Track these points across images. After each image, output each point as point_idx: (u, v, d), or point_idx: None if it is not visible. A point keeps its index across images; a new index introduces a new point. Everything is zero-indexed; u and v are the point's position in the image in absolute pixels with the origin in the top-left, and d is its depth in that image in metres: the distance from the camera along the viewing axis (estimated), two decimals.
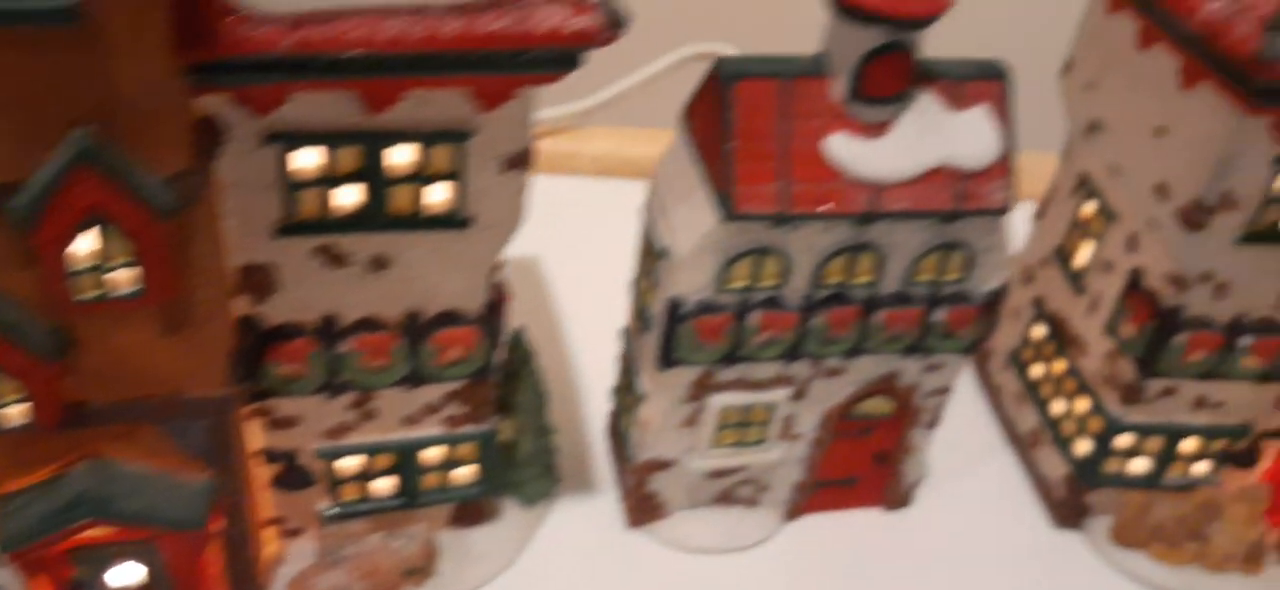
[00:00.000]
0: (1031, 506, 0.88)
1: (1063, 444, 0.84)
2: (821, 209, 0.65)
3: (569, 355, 0.95)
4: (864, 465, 0.82)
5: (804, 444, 0.79)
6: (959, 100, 0.67)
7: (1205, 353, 0.75)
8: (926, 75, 0.67)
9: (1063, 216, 0.85)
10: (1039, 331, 0.87)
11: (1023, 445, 0.90)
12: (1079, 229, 0.83)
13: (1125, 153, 0.75)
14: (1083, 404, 0.82)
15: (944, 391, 0.78)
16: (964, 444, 0.93)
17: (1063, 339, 0.84)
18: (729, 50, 1.07)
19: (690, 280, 0.67)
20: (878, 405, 0.79)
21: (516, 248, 1.06)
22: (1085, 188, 0.81)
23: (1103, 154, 0.78)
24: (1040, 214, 0.89)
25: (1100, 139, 0.78)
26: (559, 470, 0.81)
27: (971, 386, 0.98)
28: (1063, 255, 0.84)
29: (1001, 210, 0.68)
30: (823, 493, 0.83)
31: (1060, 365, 0.84)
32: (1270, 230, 0.70)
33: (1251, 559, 0.82)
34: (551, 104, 1.15)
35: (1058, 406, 0.85)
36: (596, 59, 0.59)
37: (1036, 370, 0.88)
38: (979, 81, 0.67)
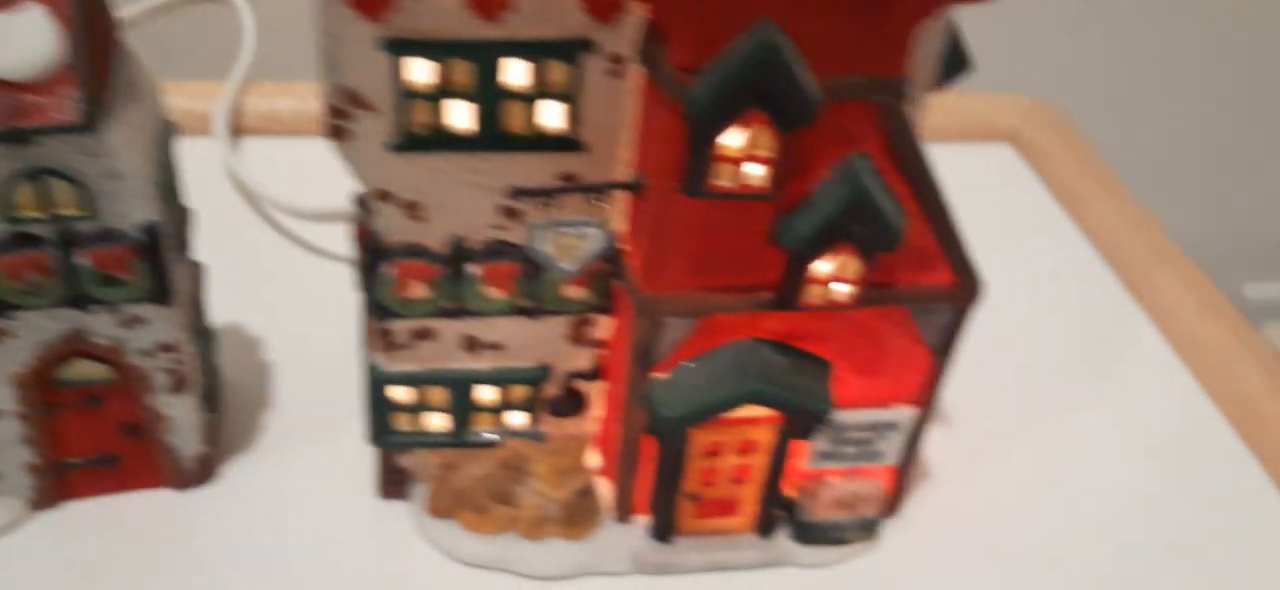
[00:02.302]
0: (368, 477, 0.76)
1: None
2: None
3: None
4: (113, 440, 0.70)
5: (12, 420, 0.66)
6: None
7: (427, 284, 0.63)
8: None
9: None
10: None
11: None
12: None
13: None
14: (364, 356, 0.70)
15: (170, 349, 0.66)
16: (328, 410, 0.80)
17: None
18: None
19: None
20: (92, 370, 0.67)
21: None
22: None
23: None
24: None
25: None
26: None
27: None
28: None
29: (76, 127, 0.55)
30: (78, 476, 0.71)
31: None
32: (430, 134, 0.58)
33: (572, 521, 0.71)
34: None
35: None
36: None
37: None
38: None
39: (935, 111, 1.17)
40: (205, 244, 0.83)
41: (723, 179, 0.57)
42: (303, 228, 0.98)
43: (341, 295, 0.82)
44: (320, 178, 0.78)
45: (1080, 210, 1.06)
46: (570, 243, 0.61)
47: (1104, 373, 0.91)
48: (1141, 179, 1.54)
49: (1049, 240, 1.05)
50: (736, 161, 0.57)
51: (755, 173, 0.57)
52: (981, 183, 1.09)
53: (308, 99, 1.05)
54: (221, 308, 0.84)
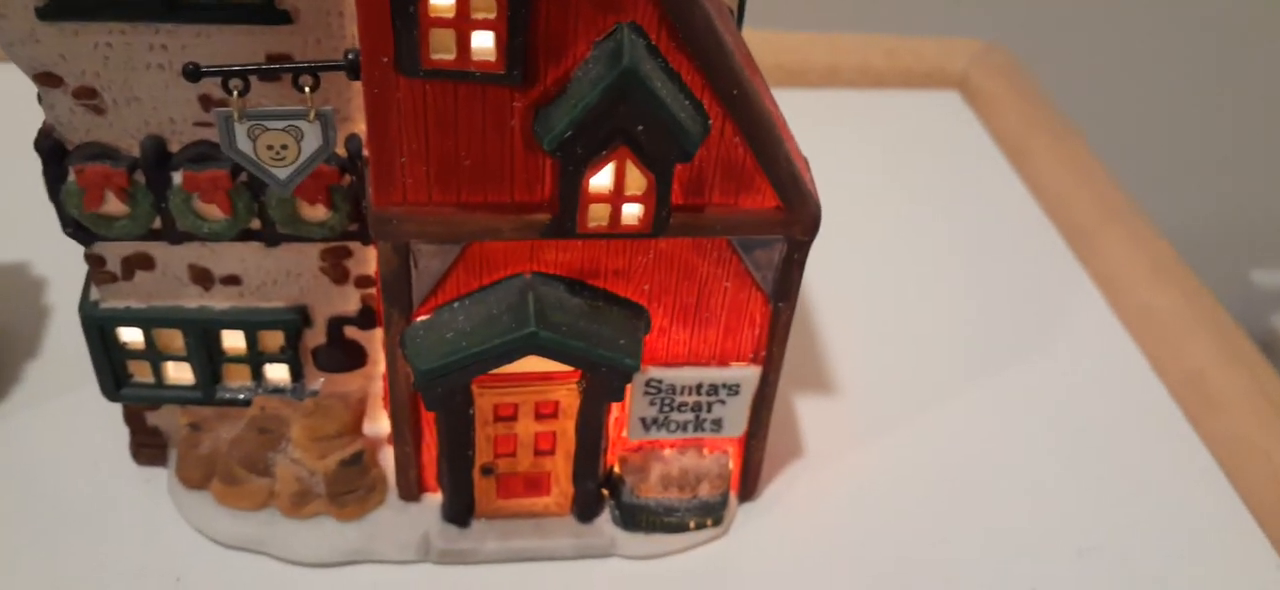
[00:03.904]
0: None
1: None
2: None
3: None
4: None
5: None
6: None
7: (121, 197, 0.48)
8: None
9: None
10: None
11: None
12: None
13: None
14: None
15: None
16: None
17: None
18: None
19: None
20: None
21: None
22: None
23: None
24: None
25: None
26: None
27: None
28: None
29: None
30: None
31: None
32: None
33: (340, 498, 0.56)
34: None
35: None
36: None
37: None
38: None
39: (872, 52, 1.01)
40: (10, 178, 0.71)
41: (441, 51, 0.41)
42: None
43: None
44: None
45: (1027, 164, 0.90)
46: (279, 140, 0.45)
47: (1037, 343, 0.74)
48: (1140, 158, 1.36)
49: (990, 195, 0.89)
50: (456, 26, 0.41)
51: (483, 42, 0.41)
52: (923, 133, 0.93)
53: None
54: (11, 247, 0.74)
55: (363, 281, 0.55)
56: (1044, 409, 0.70)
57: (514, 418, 0.55)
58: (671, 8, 0.43)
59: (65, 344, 0.69)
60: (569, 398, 0.55)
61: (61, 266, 0.74)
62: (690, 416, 0.58)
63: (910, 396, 0.70)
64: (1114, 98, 1.36)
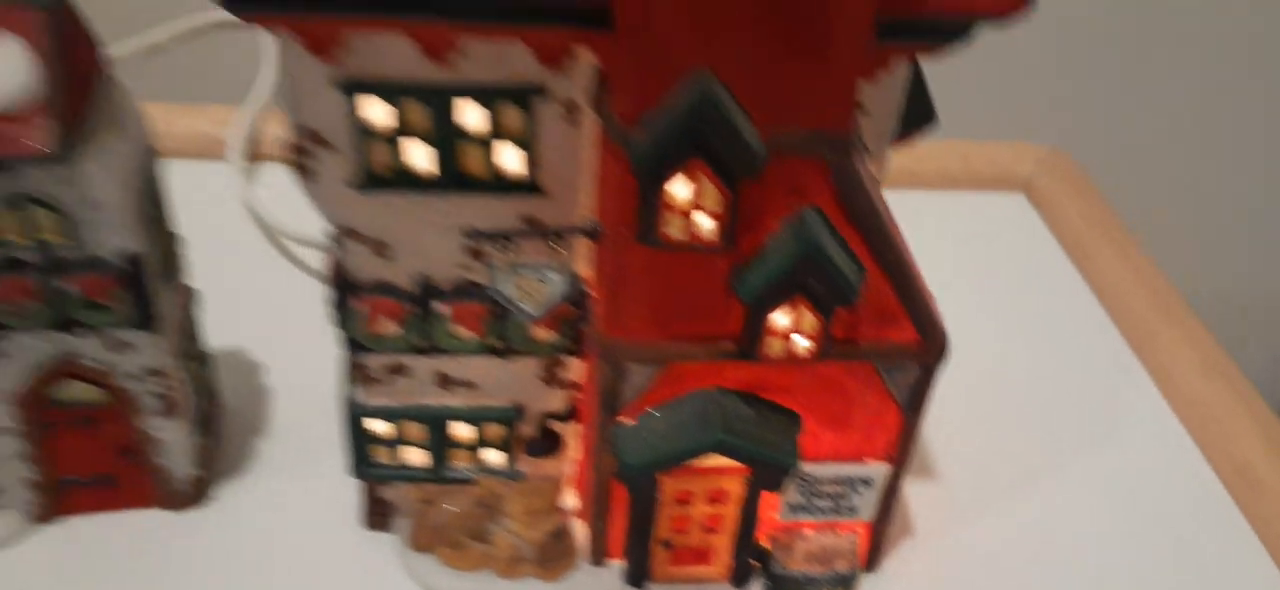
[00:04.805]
0: (356, 507, 0.74)
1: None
2: None
3: None
4: (111, 461, 0.69)
5: (10, 437, 0.65)
6: None
7: (396, 322, 0.61)
8: None
9: None
10: None
11: None
12: None
13: None
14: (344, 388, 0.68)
15: (158, 374, 0.65)
16: (321, 438, 0.78)
17: None
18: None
19: None
20: (85, 392, 0.66)
21: None
22: None
23: None
24: None
25: None
26: None
27: None
28: None
29: (49, 157, 0.54)
30: (77, 493, 0.70)
31: None
32: (391, 174, 0.55)
33: (546, 562, 0.68)
34: None
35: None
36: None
37: None
38: (8, 10, 0.54)
39: (949, 157, 1.13)
40: (213, 268, 0.80)
41: (673, 229, 0.54)
42: (310, 255, 0.96)
43: None
44: None
45: (1087, 262, 1.01)
46: (532, 286, 0.58)
47: (1101, 432, 0.85)
48: (1181, 240, 1.46)
49: (1054, 292, 1.00)
50: (685, 212, 0.53)
51: (705, 225, 0.54)
52: (991, 232, 1.04)
53: None
54: (225, 332, 0.83)
55: (569, 385, 0.67)
56: (1108, 494, 0.81)
57: (690, 502, 0.67)
58: (844, 195, 0.55)
59: (284, 422, 0.81)
60: (736, 487, 0.66)
61: (271, 350, 0.86)
62: (830, 504, 0.69)
63: (994, 481, 0.81)
64: (1160, 193, 1.47)
